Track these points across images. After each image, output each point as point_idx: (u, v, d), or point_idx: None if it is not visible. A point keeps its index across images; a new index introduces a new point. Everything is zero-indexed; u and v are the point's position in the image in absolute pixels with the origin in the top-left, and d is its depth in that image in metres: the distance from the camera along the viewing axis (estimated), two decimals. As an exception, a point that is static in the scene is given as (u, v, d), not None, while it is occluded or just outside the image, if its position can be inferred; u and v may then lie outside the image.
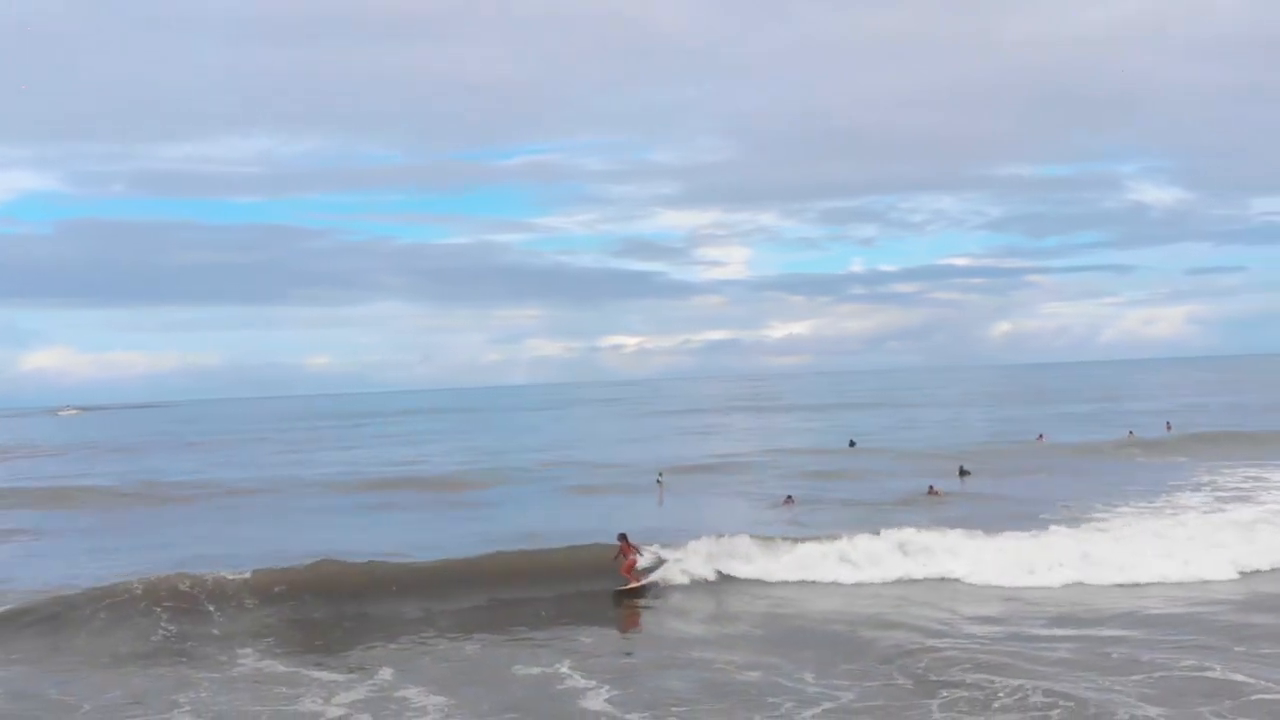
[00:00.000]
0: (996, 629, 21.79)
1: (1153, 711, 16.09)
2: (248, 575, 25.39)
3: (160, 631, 23.02)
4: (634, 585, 26.49)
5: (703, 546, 27.68)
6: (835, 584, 26.31)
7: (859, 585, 26.16)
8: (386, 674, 19.79)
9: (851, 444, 67.27)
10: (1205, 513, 34.47)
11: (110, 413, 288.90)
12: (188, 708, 17.97)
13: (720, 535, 28.50)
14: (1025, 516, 34.63)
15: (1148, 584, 25.11)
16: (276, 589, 25.09)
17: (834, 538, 28.38)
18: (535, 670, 19.86)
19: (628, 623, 24.23)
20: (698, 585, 26.66)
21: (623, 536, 27.32)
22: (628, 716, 16.94)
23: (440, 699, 18.12)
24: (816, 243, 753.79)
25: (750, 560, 27.31)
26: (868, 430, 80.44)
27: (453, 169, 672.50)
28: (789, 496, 43.06)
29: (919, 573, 26.55)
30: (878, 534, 28.25)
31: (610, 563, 27.10)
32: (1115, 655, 19.31)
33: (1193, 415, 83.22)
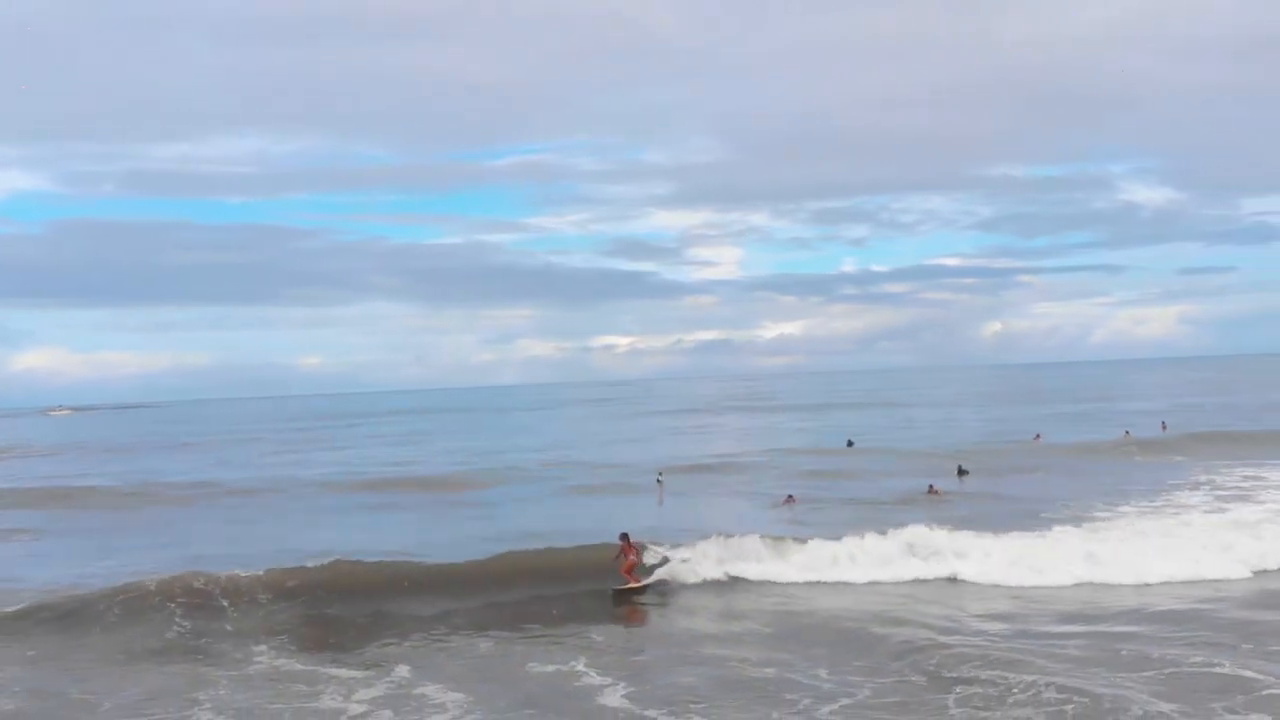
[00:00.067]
0: (1006, 626, 21.98)
1: (1166, 707, 16.27)
2: (261, 574, 25.62)
3: (175, 629, 23.17)
4: (632, 585, 26.60)
5: (711, 546, 27.81)
6: (843, 583, 26.41)
7: (867, 585, 26.27)
8: (403, 671, 19.94)
9: (849, 444, 67.46)
10: (1207, 512, 34.82)
11: (102, 413, 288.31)
12: (208, 705, 18.10)
13: (730, 535, 28.68)
14: (1027, 516, 34.93)
15: (1155, 583, 25.26)
16: (289, 588, 25.30)
17: (842, 537, 28.49)
18: (550, 668, 20.02)
19: (639, 621, 24.36)
20: (706, 584, 26.77)
21: (624, 536, 27.45)
22: (646, 713, 17.11)
23: (458, 695, 18.28)
24: (808, 243, 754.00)
25: (759, 560, 27.44)
26: (864, 430, 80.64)
27: (445, 169, 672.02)
28: (790, 496, 43.25)
29: (926, 572, 26.71)
30: (884, 534, 28.38)
31: (614, 562, 27.26)
32: (1125, 652, 19.50)
33: (1188, 415, 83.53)
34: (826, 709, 16.85)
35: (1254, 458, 52.24)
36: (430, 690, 18.62)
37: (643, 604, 25.62)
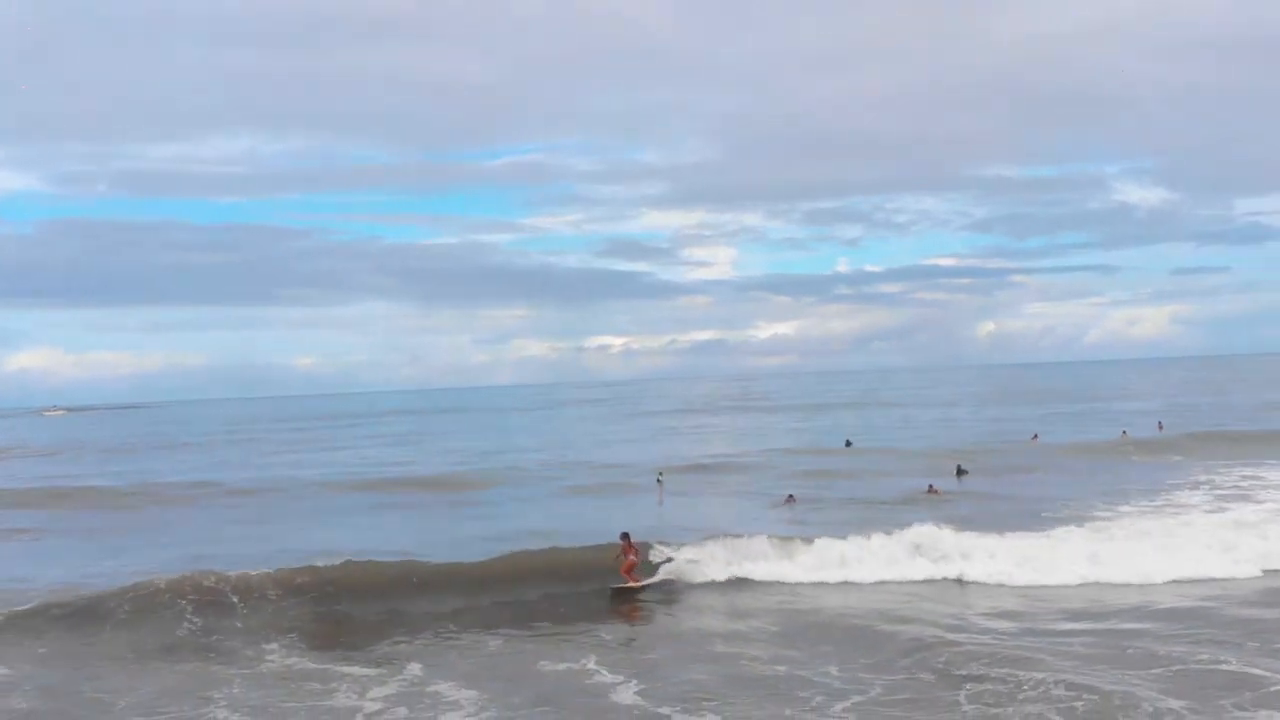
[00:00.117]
0: (1013, 625, 22.14)
1: (1175, 704, 16.43)
2: (271, 572, 25.74)
3: (186, 627, 23.27)
4: (631, 585, 26.68)
5: (717, 545, 27.96)
6: (849, 583, 26.49)
7: (874, 584, 26.37)
8: (415, 669, 20.07)
9: (848, 444, 67.64)
10: (1208, 512, 35.01)
11: (96, 413, 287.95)
12: (223, 703, 18.21)
13: (735, 535, 28.88)
14: (1028, 515, 35.10)
15: (1159, 582, 25.40)
16: (298, 586, 25.43)
17: (846, 537, 28.62)
18: (561, 666, 20.15)
19: (648, 620, 24.44)
20: (713, 583, 26.87)
21: (625, 536, 27.54)
22: (660, 710, 17.24)
23: (472, 693, 18.41)
24: (802, 243, 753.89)
25: (765, 559, 27.56)
26: (862, 430, 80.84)
27: (439, 169, 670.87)
28: (790, 495, 43.39)
29: (932, 571, 26.81)
30: (890, 534, 28.52)
31: (615, 562, 27.37)
32: (1131, 650, 19.66)
33: (1183, 415, 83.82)
34: (839, 706, 17.00)
35: (1252, 457, 52.44)
36: (443, 688, 18.76)
37: (651, 603, 25.71)
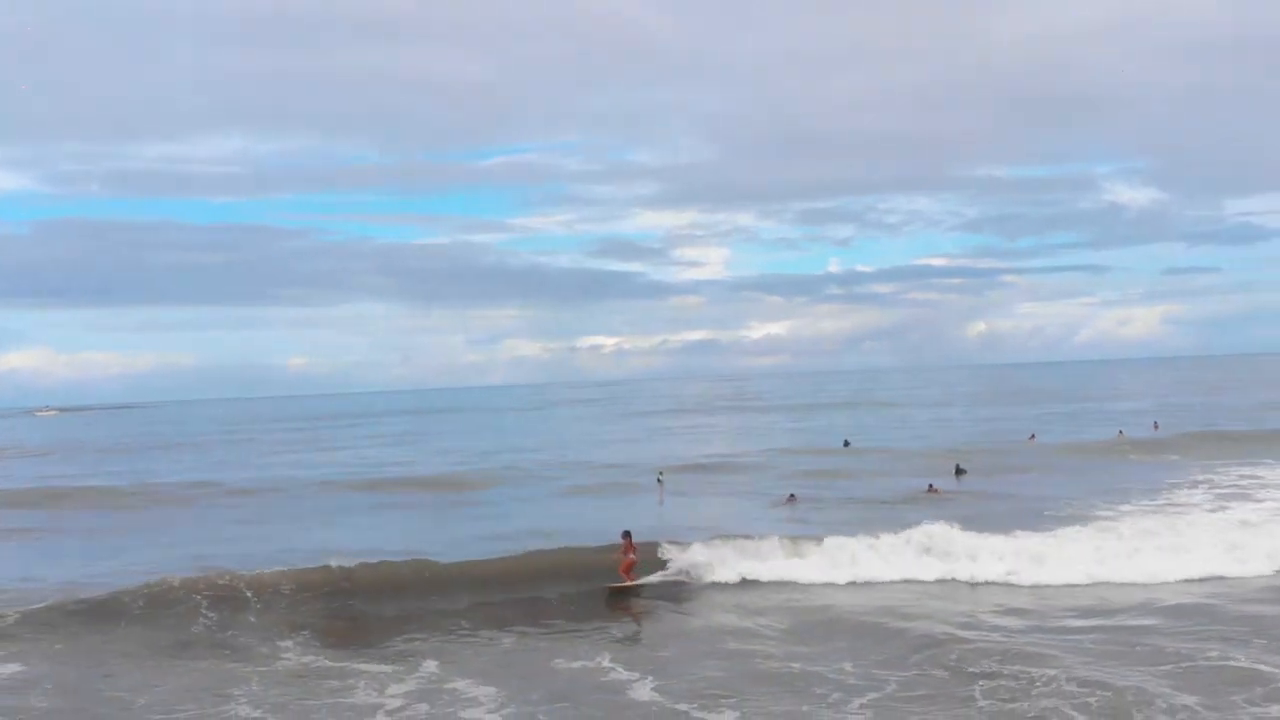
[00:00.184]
0: (1022, 622, 22.32)
1: (1189, 700, 16.65)
2: (284, 571, 25.88)
3: (201, 627, 23.37)
4: (627, 584, 26.74)
5: (725, 544, 28.06)
6: (858, 582, 26.56)
7: (883, 583, 26.46)
8: (432, 666, 20.22)
9: (846, 444, 67.83)
10: (1209, 511, 35.26)
11: (89, 414, 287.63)
12: (243, 700, 18.34)
13: (742, 534, 29.09)
14: (1031, 515, 35.26)
15: (1165, 581, 25.58)
16: (311, 585, 25.56)
17: (853, 536, 28.75)
18: (576, 664, 20.30)
19: (660, 618, 24.51)
20: (722, 582, 26.89)
21: (626, 534, 27.64)
22: (678, 707, 17.40)
23: (490, 689, 18.57)
24: (794, 243, 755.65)
25: (774, 558, 27.64)
26: (858, 430, 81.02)
27: (431, 169, 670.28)
28: (791, 495, 43.58)
29: (941, 569, 26.87)
30: (897, 533, 28.69)
31: (627, 560, 27.49)
32: (1140, 647, 19.87)
33: (1178, 415, 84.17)
34: (857, 701, 17.19)
35: (1248, 457, 52.72)
36: (461, 685, 18.91)
37: (662, 602, 25.73)
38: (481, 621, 23.89)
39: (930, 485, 44.49)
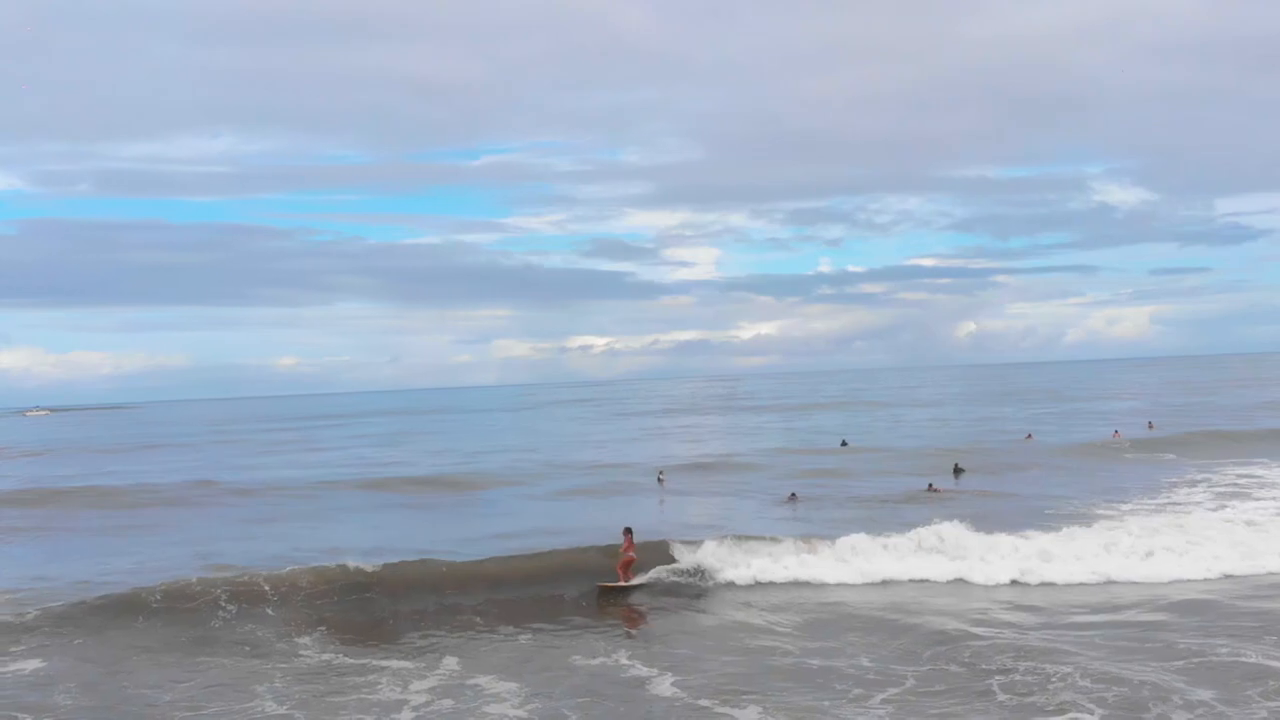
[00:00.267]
0: (1033, 619, 22.56)
1: (1205, 694, 16.90)
2: (301, 569, 26.00)
3: (220, 624, 23.46)
4: (621, 584, 26.83)
5: (734, 544, 28.18)
6: (868, 581, 26.71)
7: (892, 582, 26.60)
8: (452, 663, 20.38)
9: (843, 444, 68.11)
10: (1211, 510, 35.55)
11: (80, 414, 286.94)
12: (268, 696, 18.48)
13: (754, 534, 29.34)
14: (1033, 514, 35.61)
15: (1174, 578, 25.84)
16: (327, 584, 25.65)
17: (862, 534, 28.92)
18: (595, 660, 20.47)
19: (672, 617, 24.57)
20: (731, 581, 27.02)
21: (628, 531, 27.74)
22: (700, 702, 17.58)
23: (512, 685, 18.74)
24: (784, 243, 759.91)
25: (783, 557, 27.75)
26: (854, 430, 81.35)
27: (421, 169, 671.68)
28: (793, 494, 43.87)
29: (950, 568, 27.01)
30: (905, 532, 28.89)
31: (638, 560, 27.64)
32: (1151, 644, 20.12)
33: (1172, 415, 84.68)
34: (878, 696, 17.41)
35: (1244, 456, 53.23)
36: (483, 681, 19.08)
37: (673, 600, 25.89)
38: (497, 619, 24.04)
39: (930, 485, 44.79)
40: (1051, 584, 25.84)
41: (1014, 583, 26.05)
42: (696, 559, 27.49)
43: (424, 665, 20.30)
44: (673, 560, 27.53)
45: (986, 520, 32.20)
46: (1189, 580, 25.64)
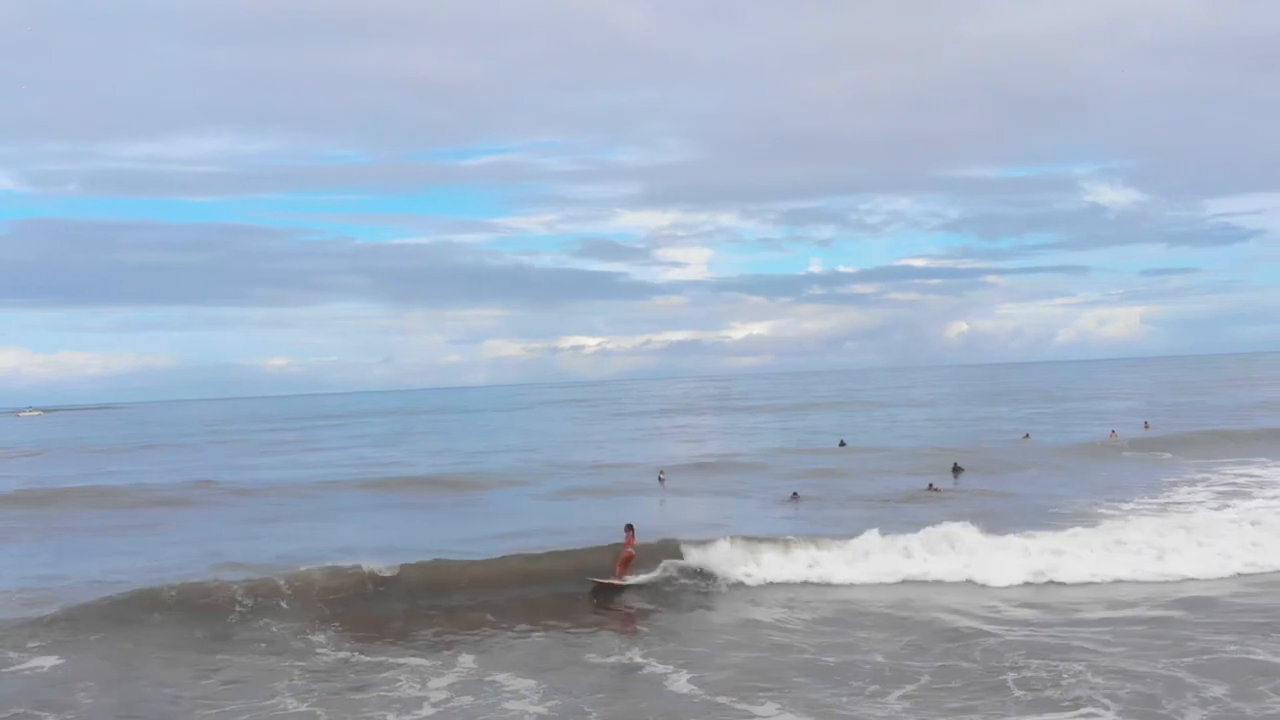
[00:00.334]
0: (1042, 617, 22.76)
1: (1218, 691, 17.11)
2: (311, 569, 26.10)
3: (235, 623, 23.53)
4: (615, 581, 26.91)
5: (738, 542, 28.23)
6: (879, 579, 26.78)
7: (903, 581, 26.64)
8: (469, 661, 20.51)
9: (842, 444, 68.32)
10: (1213, 509, 35.81)
11: (74, 414, 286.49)
12: (288, 693, 18.61)
13: (759, 533, 29.47)
14: (1036, 513, 35.87)
15: (1179, 578, 25.99)
16: (338, 583, 25.72)
17: (864, 534, 28.96)
18: (610, 658, 20.63)
19: (683, 616, 24.73)
20: (739, 581, 27.10)
21: (629, 527, 27.82)
22: (718, 699, 17.73)
23: (530, 682, 18.89)
24: (776, 243, 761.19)
25: (790, 557, 27.84)
26: (850, 430, 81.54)
27: (413, 169, 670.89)
28: (794, 493, 44.09)
29: (959, 567, 27.03)
30: (917, 532, 28.97)
31: (642, 557, 27.77)
32: (1160, 640, 20.32)
33: (1167, 415, 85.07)
34: (895, 693, 17.58)
35: (1241, 455, 53.53)
36: (501, 678, 19.22)
37: (683, 599, 26.04)
38: (509, 617, 24.15)
39: (930, 484, 45.00)
40: (1061, 583, 25.97)
41: (1023, 583, 25.97)
42: (707, 558, 27.55)
43: (440, 663, 20.43)
44: (683, 560, 27.61)
45: (990, 520, 32.36)
46: (1198, 579, 25.79)
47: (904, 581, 26.61)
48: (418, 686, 18.84)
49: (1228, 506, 36.40)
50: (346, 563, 26.98)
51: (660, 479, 51.57)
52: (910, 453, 61.66)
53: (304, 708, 17.82)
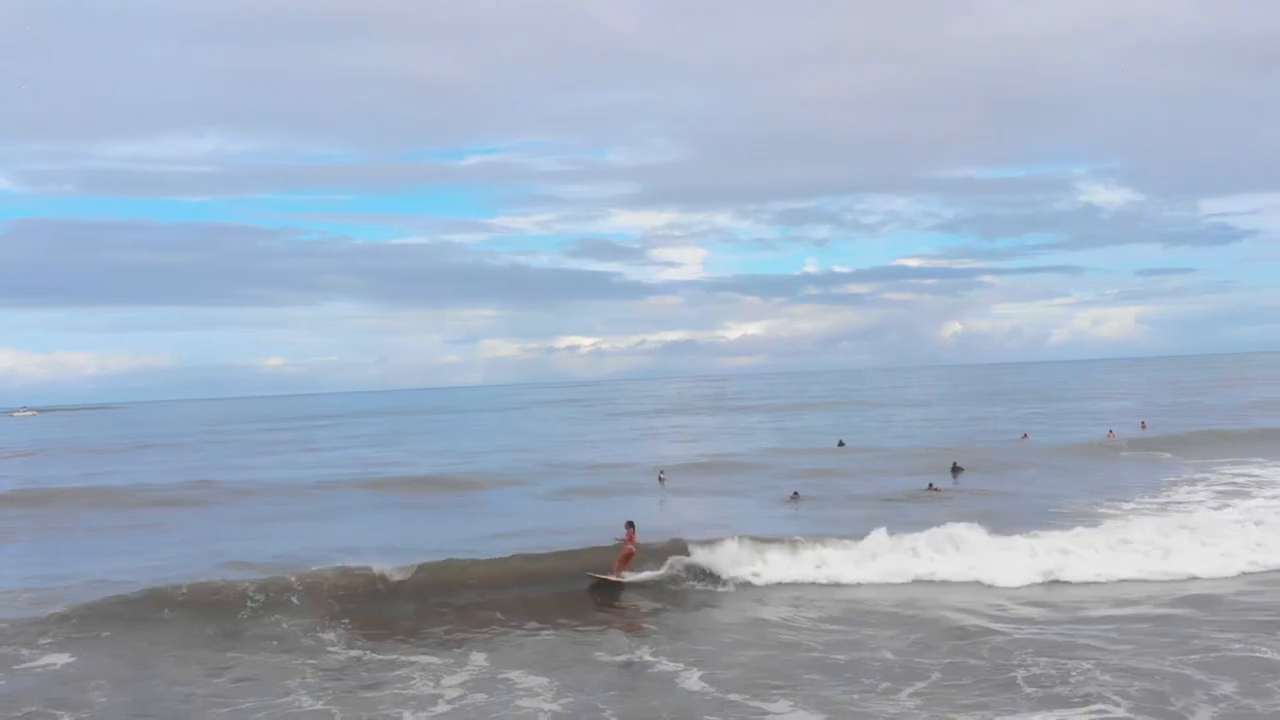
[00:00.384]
0: (1049, 615, 22.88)
1: (1226, 688, 17.23)
2: (319, 569, 26.17)
3: (245, 622, 23.56)
4: (612, 578, 26.99)
5: (743, 542, 28.25)
6: (888, 580, 26.83)
7: (912, 581, 26.70)
8: (480, 659, 20.61)
9: (840, 444, 68.44)
10: (1214, 508, 35.98)
11: (68, 414, 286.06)
12: (302, 691, 18.70)
13: (763, 533, 29.59)
14: (1038, 512, 36.00)
15: (1185, 576, 26.13)
16: (347, 583, 25.78)
17: (869, 534, 29.01)
18: (620, 657, 20.75)
19: (691, 615, 24.81)
20: (745, 581, 27.12)
21: (630, 524, 27.97)
22: (730, 696, 17.83)
23: (542, 679, 18.99)
24: (771, 244, 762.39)
25: (802, 555, 27.89)
26: (847, 430, 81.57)
27: (408, 169, 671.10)
28: (795, 492, 44.20)
29: (966, 567, 27.08)
30: (923, 531, 29.04)
31: (649, 557, 27.88)
32: (1167, 639, 20.45)
33: (1163, 415, 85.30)
34: (906, 690, 17.70)
35: (1239, 455, 53.69)
36: (514, 675, 19.32)
37: (690, 597, 26.13)
38: (518, 616, 24.25)
39: (930, 484, 45.12)
40: (1067, 582, 26.06)
41: (1029, 583, 25.95)
42: (714, 557, 27.59)
43: (452, 661, 20.52)
44: (689, 559, 27.67)
45: (992, 520, 32.45)
46: (1203, 578, 25.92)
47: (912, 581, 26.66)
48: (431, 684, 18.93)
49: (1228, 506, 36.56)
50: (354, 562, 27.09)
51: (660, 479, 51.66)
52: (908, 453, 61.78)
53: (319, 706, 17.90)
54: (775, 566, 27.46)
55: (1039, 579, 26.23)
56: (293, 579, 25.35)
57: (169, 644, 22.11)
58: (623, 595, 26.39)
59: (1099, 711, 16.40)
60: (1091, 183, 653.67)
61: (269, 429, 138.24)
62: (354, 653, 21.39)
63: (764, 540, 28.77)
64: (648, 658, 20.54)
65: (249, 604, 24.30)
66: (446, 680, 19.16)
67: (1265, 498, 38.41)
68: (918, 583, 26.57)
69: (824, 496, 44.00)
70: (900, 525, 30.80)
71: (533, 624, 23.55)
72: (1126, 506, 37.03)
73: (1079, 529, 29.79)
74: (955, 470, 51.29)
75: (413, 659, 20.72)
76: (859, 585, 26.55)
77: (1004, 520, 32.46)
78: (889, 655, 19.83)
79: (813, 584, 26.80)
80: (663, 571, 27.26)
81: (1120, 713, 16.32)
